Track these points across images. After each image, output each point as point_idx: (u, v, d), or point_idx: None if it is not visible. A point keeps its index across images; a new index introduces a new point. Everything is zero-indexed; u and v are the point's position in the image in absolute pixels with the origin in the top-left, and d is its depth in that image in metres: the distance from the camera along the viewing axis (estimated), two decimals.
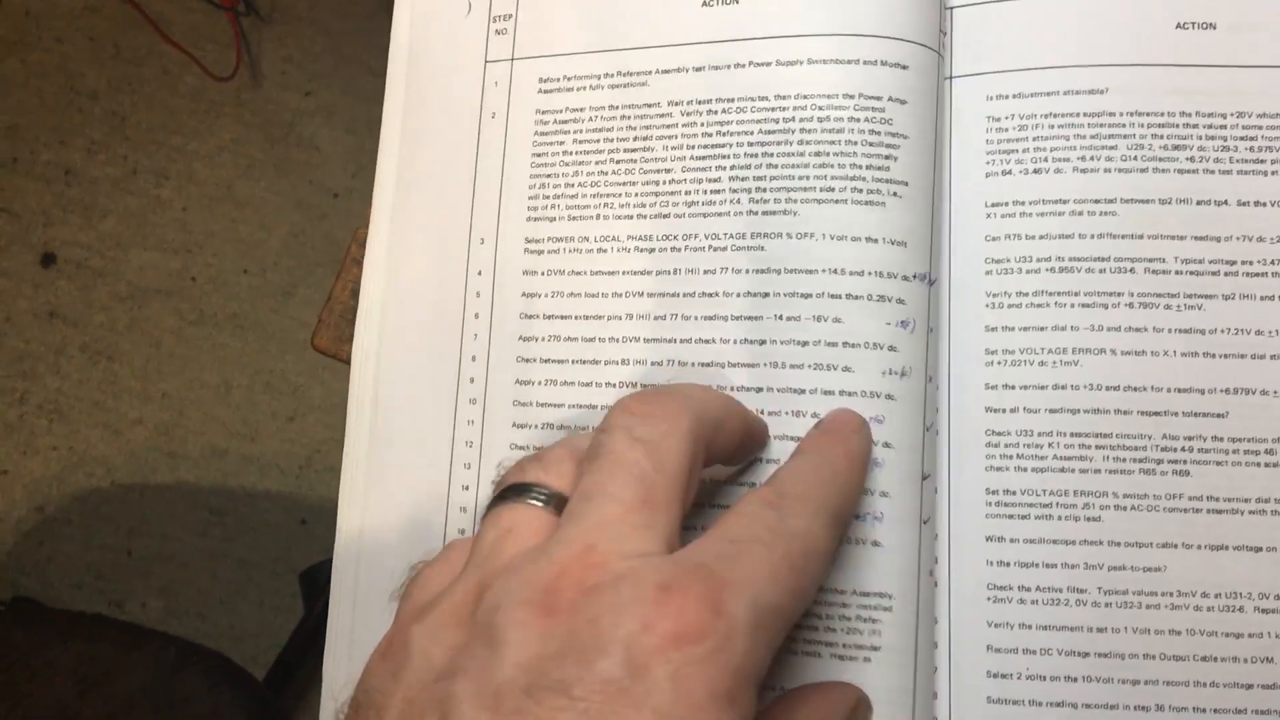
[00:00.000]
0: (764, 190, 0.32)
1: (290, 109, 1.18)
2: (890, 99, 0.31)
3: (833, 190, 0.31)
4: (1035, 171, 0.32)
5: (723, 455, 0.27)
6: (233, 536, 1.09)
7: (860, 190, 0.30)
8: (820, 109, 0.31)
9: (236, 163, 1.17)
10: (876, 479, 0.29)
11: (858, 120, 0.31)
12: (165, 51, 1.17)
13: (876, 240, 0.30)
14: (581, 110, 0.34)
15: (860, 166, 0.31)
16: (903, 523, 0.29)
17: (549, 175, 0.34)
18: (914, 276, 0.30)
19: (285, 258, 1.15)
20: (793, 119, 0.32)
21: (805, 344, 0.30)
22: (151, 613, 1.08)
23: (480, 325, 0.34)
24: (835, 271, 0.30)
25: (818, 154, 0.31)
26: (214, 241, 1.16)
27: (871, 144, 0.31)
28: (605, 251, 0.33)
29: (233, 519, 1.10)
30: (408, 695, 0.21)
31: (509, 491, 0.24)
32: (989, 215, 0.32)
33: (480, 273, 0.35)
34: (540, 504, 0.24)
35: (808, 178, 0.31)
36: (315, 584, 1.01)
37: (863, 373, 0.29)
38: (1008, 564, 0.31)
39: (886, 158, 0.30)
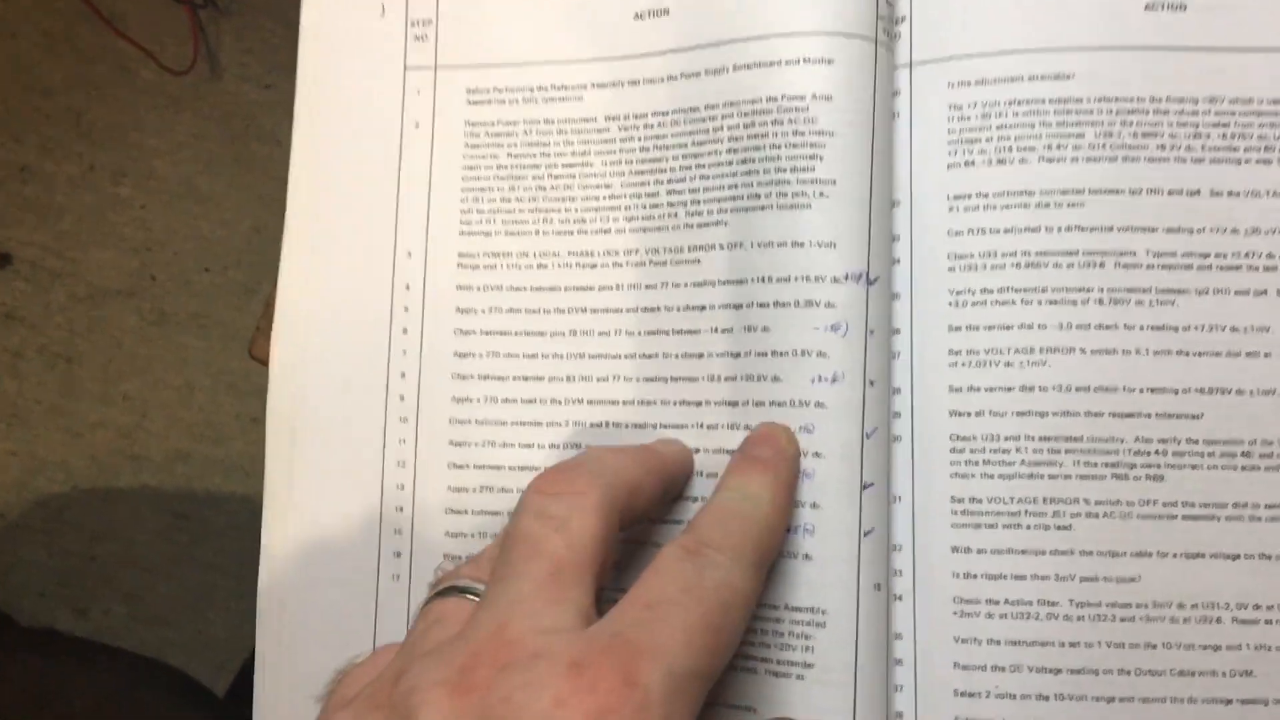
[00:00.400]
0: (698, 203, 0.31)
1: (250, 102, 1.15)
2: (814, 96, 0.29)
3: (759, 197, 0.30)
4: (1000, 162, 0.31)
5: (644, 514, 0.27)
6: (198, 541, 1.07)
7: (785, 194, 0.29)
8: (745, 115, 0.30)
9: (196, 158, 1.15)
10: (806, 490, 0.28)
11: (780, 123, 0.30)
12: (121, 46, 1.14)
13: (802, 244, 0.29)
14: (515, 124, 0.33)
15: (784, 170, 0.29)
16: (837, 535, 0.27)
17: (483, 189, 0.33)
18: (847, 277, 0.29)
19: (248, 254, 1.13)
20: (720, 128, 0.31)
21: (737, 355, 0.29)
22: (116, 619, 1.06)
23: (410, 341, 0.33)
24: (762, 280, 0.29)
25: (744, 161, 0.30)
26: (174, 239, 1.13)
27: (795, 145, 0.29)
28: (545, 267, 0.32)
29: (197, 523, 1.08)
30: None
31: (446, 591, 0.25)
32: (951, 209, 0.31)
33: (408, 287, 0.33)
34: (473, 597, 0.24)
35: (735, 186, 0.30)
36: None
37: (790, 381, 0.28)
38: (975, 576, 0.29)
39: (811, 157, 0.29)
